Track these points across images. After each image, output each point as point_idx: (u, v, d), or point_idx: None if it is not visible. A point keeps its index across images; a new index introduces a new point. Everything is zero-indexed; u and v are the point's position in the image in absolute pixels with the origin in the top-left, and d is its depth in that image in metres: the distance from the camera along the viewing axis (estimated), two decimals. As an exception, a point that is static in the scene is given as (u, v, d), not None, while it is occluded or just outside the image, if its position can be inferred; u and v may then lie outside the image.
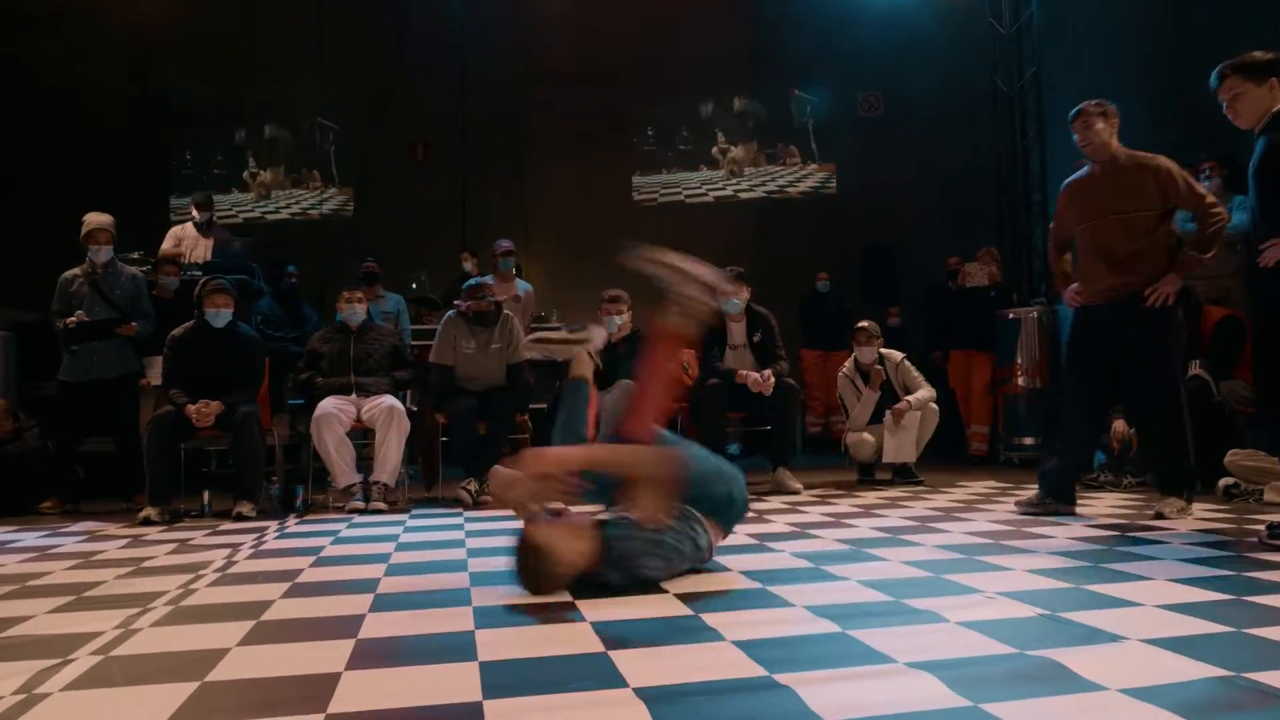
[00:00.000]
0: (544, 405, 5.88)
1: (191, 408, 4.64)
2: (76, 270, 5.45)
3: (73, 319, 5.26)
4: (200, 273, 6.17)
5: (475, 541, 3.58)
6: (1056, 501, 3.93)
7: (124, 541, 3.93)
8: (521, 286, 7.66)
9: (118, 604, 2.57)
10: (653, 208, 11.10)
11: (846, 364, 5.73)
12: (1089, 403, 4.01)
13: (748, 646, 1.92)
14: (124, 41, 9.92)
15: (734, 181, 11.12)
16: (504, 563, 3.04)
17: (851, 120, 10.62)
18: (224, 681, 1.81)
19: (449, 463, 5.61)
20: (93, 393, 5.33)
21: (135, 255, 6.64)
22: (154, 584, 2.87)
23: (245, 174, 11.09)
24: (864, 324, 5.68)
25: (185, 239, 7.13)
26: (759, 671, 1.75)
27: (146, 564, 3.30)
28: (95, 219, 5.44)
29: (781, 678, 1.70)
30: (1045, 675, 1.70)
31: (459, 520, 4.28)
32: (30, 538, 4.18)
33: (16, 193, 8.95)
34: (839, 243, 9.73)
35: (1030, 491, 4.08)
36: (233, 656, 1.98)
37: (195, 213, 7.23)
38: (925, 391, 5.50)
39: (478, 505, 4.80)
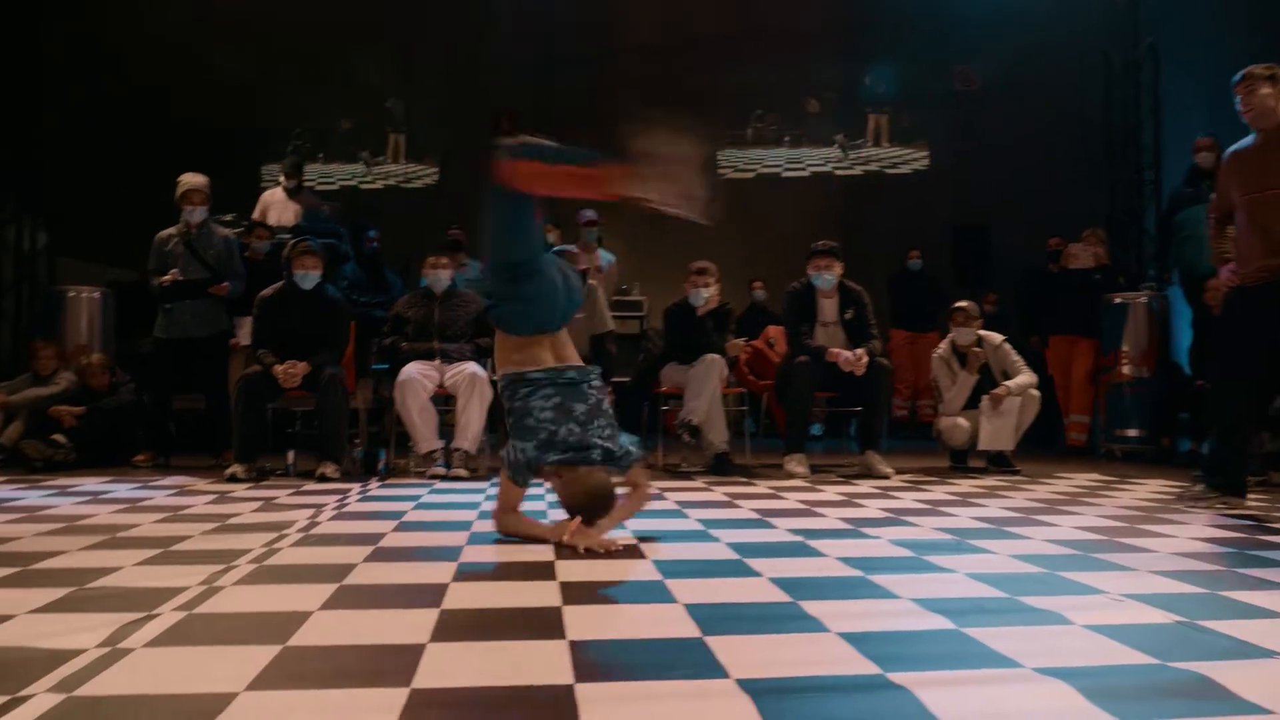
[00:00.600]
0: (627, 379, 5.78)
1: (279, 368, 4.66)
2: (171, 230, 5.52)
3: (167, 278, 5.33)
4: (290, 236, 6.21)
5: (557, 513, 3.49)
6: (1227, 494, 3.69)
7: (211, 497, 3.96)
8: (605, 258, 7.56)
9: (203, 560, 2.55)
10: (738, 181, 10.89)
11: (942, 345, 5.49)
12: (1253, 393, 3.77)
13: (855, 640, 1.78)
14: (220, 10, 10.06)
15: (819, 155, 10.84)
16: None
17: (945, 94, 10.22)
18: (306, 647, 1.75)
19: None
20: (185, 351, 5.41)
21: (228, 217, 6.73)
22: (239, 541, 2.85)
23: (333, 146, 11.21)
24: (963, 304, 5.43)
25: (274, 204, 7.21)
26: (871, 669, 1.61)
27: (232, 521, 3.30)
28: (190, 180, 5.50)
29: (896, 677, 1.56)
30: (1194, 691, 1.52)
31: (540, 491, 4.21)
32: (123, 489, 4.25)
33: (114, 155, 9.16)
34: (929, 221, 9.40)
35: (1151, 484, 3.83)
36: (315, 620, 1.92)
37: (284, 179, 7.31)
38: (1026, 376, 5.24)
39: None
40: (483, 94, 10.59)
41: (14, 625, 1.89)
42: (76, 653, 1.69)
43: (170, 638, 1.80)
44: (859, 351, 4.91)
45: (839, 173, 10.76)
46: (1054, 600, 2.11)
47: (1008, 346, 5.37)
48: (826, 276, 5.14)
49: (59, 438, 5.27)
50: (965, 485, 4.54)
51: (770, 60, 10.48)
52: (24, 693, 1.48)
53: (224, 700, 1.44)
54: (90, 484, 4.45)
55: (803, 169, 10.88)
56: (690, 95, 10.57)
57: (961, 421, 5.27)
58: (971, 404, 5.30)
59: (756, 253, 9.26)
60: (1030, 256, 8.12)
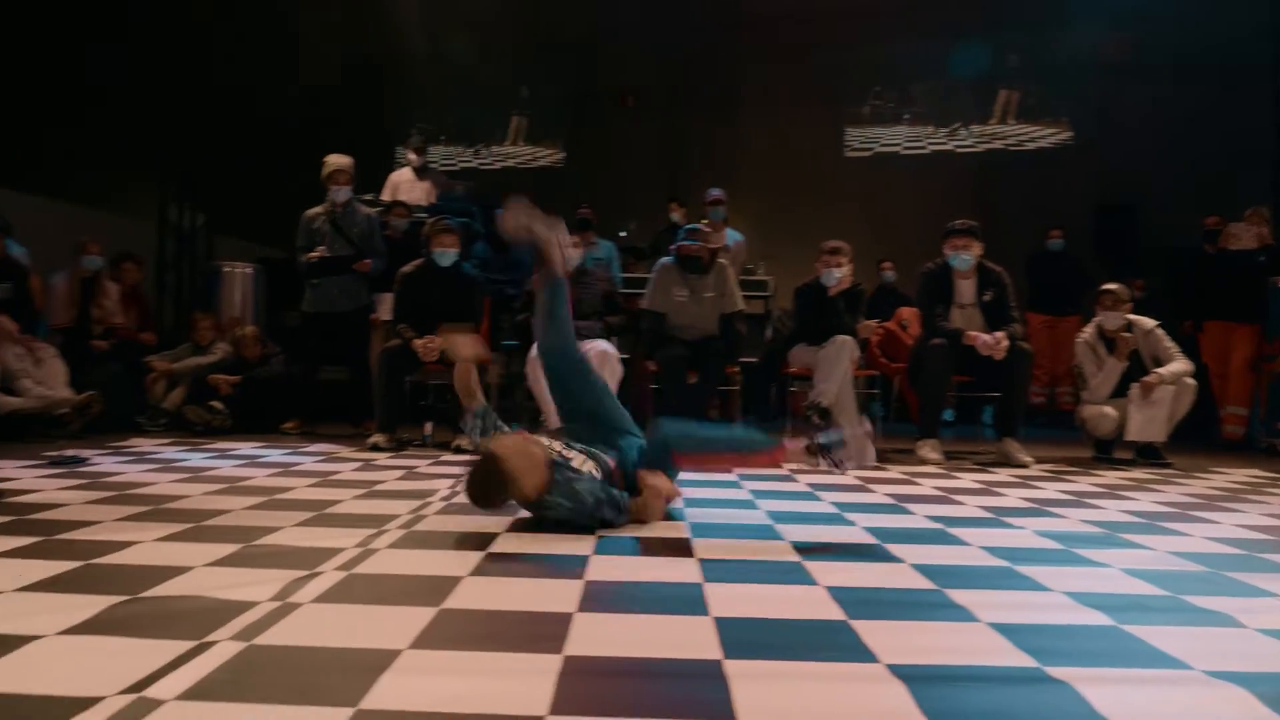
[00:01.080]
0: (755, 360, 5.75)
1: (418, 342, 4.82)
2: (318, 209, 5.77)
3: (314, 254, 5.59)
4: (428, 214, 6.41)
5: (688, 491, 3.51)
6: None
7: (356, 465, 4.14)
8: (731, 237, 7.52)
9: (355, 524, 2.68)
10: (866, 159, 10.65)
11: (1088, 330, 5.24)
12: None
13: (1007, 631, 1.73)
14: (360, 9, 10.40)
15: (952, 132, 10.48)
16: (721, 514, 2.99)
17: (1092, 66, 9.71)
18: (460, 610, 1.81)
19: (657, 411, 5.59)
20: (330, 324, 5.67)
21: (369, 197, 7.00)
22: (386, 507, 2.98)
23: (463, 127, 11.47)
24: (1112, 286, 5.16)
25: (401, 184, 7.46)
26: (1027, 662, 1.57)
27: (378, 487, 3.45)
28: (336, 160, 5.74)
29: (1056, 671, 1.51)
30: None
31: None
32: (275, 454, 4.49)
33: (263, 139, 9.63)
34: (1071, 199, 8.98)
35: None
36: (465, 585, 1.99)
37: (412, 156, 7.55)
38: (1180, 364, 4.95)
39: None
40: (607, 69, 10.65)
41: (193, 576, 2.03)
42: (251, 605, 1.80)
43: (334, 595, 1.90)
44: (999, 335, 4.73)
45: (968, 150, 10.38)
46: (1222, 601, 2.00)
47: (1160, 332, 5.09)
48: (964, 256, 4.97)
49: (217, 404, 5.61)
50: (1111, 477, 4.34)
51: (907, 33, 10.18)
52: (209, 639, 1.59)
53: (390, 655, 1.52)
54: (245, 448, 4.73)
55: (922, 147, 10.55)
56: (817, 68, 10.37)
57: (1108, 410, 5.03)
58: (1118, 392, 5.05)
59: (883, 233, 9.04)
60: (1183, 237, 7.66)
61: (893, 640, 1.67)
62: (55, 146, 7.22)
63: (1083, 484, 4.05)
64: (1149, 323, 5.11)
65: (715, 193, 7.46)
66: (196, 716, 1.28)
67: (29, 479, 3.46)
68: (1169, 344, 5.04)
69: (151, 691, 1.35)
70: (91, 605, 1.78)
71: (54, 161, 7.33)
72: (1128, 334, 5.03)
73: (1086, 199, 9.05)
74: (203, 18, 7.90)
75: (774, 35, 10.23)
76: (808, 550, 2.42)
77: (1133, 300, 5.40)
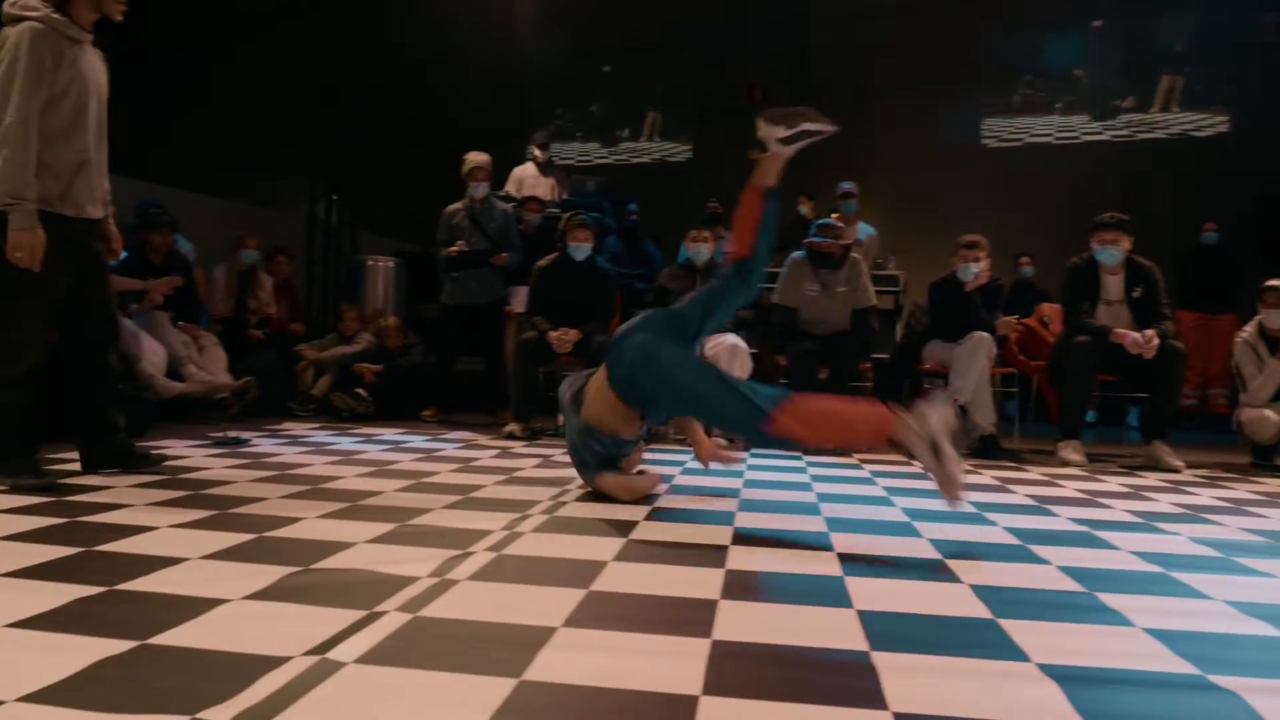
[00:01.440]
0: (887, 355, 5.66)
1: (553, 334, 4.95)
2: (458, 204, 5.98)
3: (454, 248, 5.80)
4: (560, 210, 6.56)
5: (821, 486, 3.51)
6: None
7: (495, 452, 4.30)
8: (863, 230, 7.41)
9: (500, 508, 2.79)
10: (1002, 150, 10.29)
11: (1248, 329, 4.96)
12: None
13: (1164, 637, 1.69)
14: (491, 8, 10.67)
15: (1096, 123, 10.02)
16: (856, 510, 2.98)
17: (1250, 46, 9.11)
18: (609, 592, 1.88)
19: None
20: (468, 316, 5.88)
21: (504, 192, 7.21)
22: (527, 493, 3.09)
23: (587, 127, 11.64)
24: (1275, 282, 4.86)
25: (526, 179, 7.64)
26: (1187, 668, 1.52)
27: (517, 474, 3.57)
28: (475, 158, 5.94)
29: (1219, 680, 1.47)
30: None
31: (800, 464, 4.23)
32: (417, 440, 4.70)
33: (397, 142, 10.02)
34: (1228, 190, 8.46)
35: None
36: (610, 570, 2.06)
37: (536, 152, 7.72)
38: (1350, 366, 4.64)
39: (815, 450, 4.73)
40: (736, 63, 10.61)
41: (357, 552, 2.17)
42: (412, 580, 1.91)
43: (488, 574, 2.00)
44: (1149, 333, 4.52)
45: (1117, 139, 9.91)
46: (1403, 617, 1.89)
47: (1328, 332, 4.77)
48: (1113, 251, 4.77)
49: (361, 391, 5.89)
50: (1273, 485, 4.10)
51: (1044, 19, 9.79)
52: (378, 609, 1.70)
53: (547, 632, 1.59)
54: (389, 434, 4.96)
55: (1075, 137, 10.11)
56: (951, 57, 10.09)
57: (1269, 414, 4.75)
58: (1280, 395, 4.76)
59: (1022, 227, 8.73)
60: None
61: (1043, 640, 1.64)
62: (214, 148, 7.71)
63: (1241, 491, 3.84)
64: (1315, 321, 4.79)
65: (847, 186, 7.37)
66: (375, 679, 1.38)
67: (198, 457, 3.74)
68: (1338, 344, 4.72)
69: (332, 655, 1.46)
70: (269, 574, 1.92)
71: (213, 162, 7.83)
72: (1291, 333, 4.74)
73: (1244, 190, 8.51)
74: (345, 20, 8.28)
75: (906, 23, 10.01)
76: (948, 549, 2.40)
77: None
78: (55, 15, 2.98)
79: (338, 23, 8.25)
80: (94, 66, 3.16)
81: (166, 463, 3.47)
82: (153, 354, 5.00)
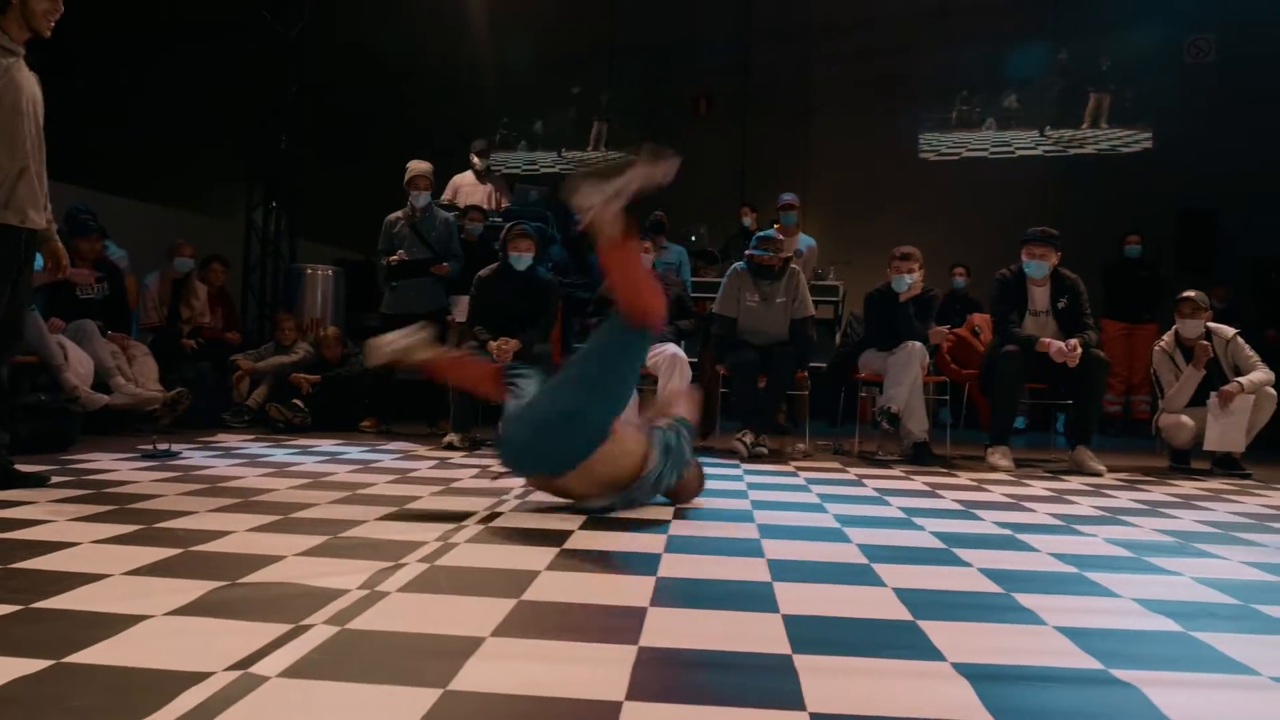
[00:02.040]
0: (823, 365, 5.76)
1: (493, 344, 4.95)
2: (399, 213, 5.95)
3: (395, 257, 5.76)
4: (502, 219, 6.56)
5: (757, 494, 3.57)
6: None
7: (433, 462, 4.28)
8: (804, 241, 7.53)
9: (435, 519, 2.79)
10: (938, 164, 10.53)
11: (1165, 338, 5.15)
12: None
13: (1074, 635, 1.75)
14: (441, 16, 10.64)
15: (1028, 138, 10.31)
16: (789, 517, 3.03)
17: (1175, 68, 9.47)
18: (539, 602, 1.89)
19: (726, 414, 5.64)
20: (408, 325, 5.82)
21: (445, 201, 7.18)
22: (463, 503, 3.09)
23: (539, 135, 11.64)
24: (1190, 294, 5.06)
25: (463, 186, 7.63)
26: (1093, 664, 1.59)
27: (454, 485, 3.56)
28: (417, 166, 5.92)
29: (1121, 674, 1.53)
30: None
31: (738, 471, 4.29)
32: (354, 451, 4.66)
33: (338, 148, 9.93)
34: (1150, 205, 8.78)
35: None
36: (542, 579, 2.07)
37: (475, 159, 7.72)
38: (1261, 373, 4.84)
39: (753, 457, 4.80)
40: (681, 74, 10.70)
41: (287, 565, 2.15)
42: (342, 592, 1.91)
43: (419, 585, 2.00)
44: (1072, 342, 4.68)
45: (1049, 154, 10.20)
46: (1297, 611, 1.99)
47: (1241, 341, 4.98)
48: (1041, 264, 4.92)
49: (298, 402, 5.82)
50: (1188, 487, 4.27)
51: (976, 36, 10.06)
52: (305, 622, 1.69)
53: (474, 642, 1.60)
54: (326, 445, 4.90)
55: (1010, 152, 10.39)
56: (889, 72, 10.31)
57: (1185, 419, 4.94)
58: (1196, 401, 4.95)
59: (957, 239, 8.95)
60: (1266, 244, 7.45)
61: (959, 640, 1.70)
62: (147, 152, 7.56)
63: (1157, 493, 3.99)
64: (1229, 331, 5.00)
65: (787, 197, 7.48)
66: (298, 692, 1.37)
67: (125, 470, 3.66)
68: (1250, 353, 4.93)
69: (256, 669, 1.45)
70: (194, 589, 1.90)
71: (146, 166, 7.67)
72: (1205, 343, 4.93)
73: (1167, 205, 8.83)
74: (285, 23, 8.18)
75: (847, 40, 10.22)
76: (874, 553, 2.46)
77: (1213, 309, 5.28)
78: None
79: (279, 26, 8.15)
80: (28, 79, 3.19)
81: (91, 476, 3.39)
82: (79, 364, 4.88)
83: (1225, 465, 4.86)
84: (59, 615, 1.71)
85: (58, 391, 4.64)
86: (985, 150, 10.48)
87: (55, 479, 3.32)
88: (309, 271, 7.38)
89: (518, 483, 3.59)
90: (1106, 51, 9.87)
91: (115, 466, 3.77)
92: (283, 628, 1.65)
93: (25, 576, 1.97)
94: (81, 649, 1.51)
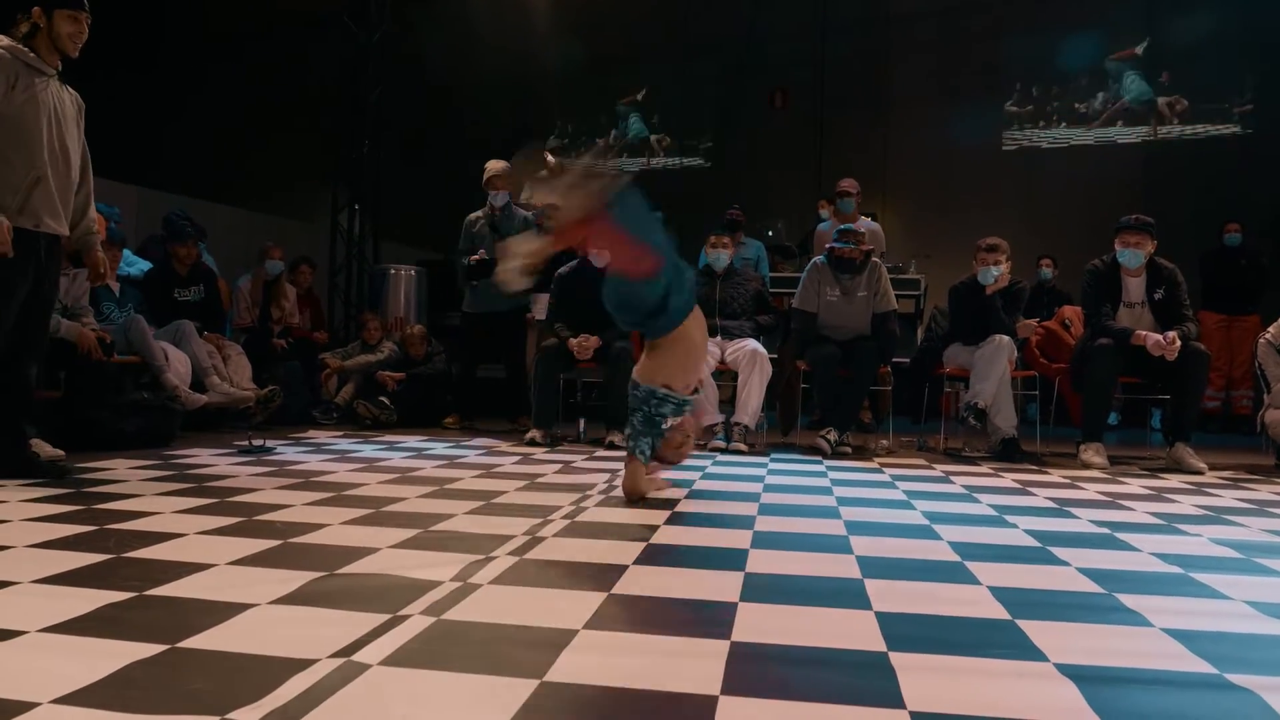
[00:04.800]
0: (906, 360, 5.66)
1: (573, 341, 4.99)
2: (479, 213, 6.04)
3: (475, 256, 5.85)
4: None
5: (842, 490, 3.52)
6: None
7: (516, 458, 4.33)
8: (865, 225, 7.38)
9: (521, 513, 2.82)
10: (1020, 153, 10.25)
11: (1271, 329, 4.92)
12: None
13: (1182, 637, 1.69)
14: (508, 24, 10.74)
15: (1113, 127, 9.96)
16: (876, 514, 2.99)
17: (1269, 45, 9.04)
18: (629, 595, 1.90)
19: (807, 411, 5.58)
20: (489, 324, 5.93)
21: (524, 200, 7.26)
22: (548, 499, 3.12)
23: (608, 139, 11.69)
24: (1298, 283, 4.83)
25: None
26: (1205, 668, 1.53)
27: (539, 480, 3.60)
28: (495, 166, 6.00)
29: (1236, 678, 1.47)
30: None
31: (820, 468, 4.24)
32: (439, 447, 4.74)
33: (424, 150, 10.12)
34: (1252, 190, 8.39)
35: None
36: (631, 574, 2.08)
37: (549, 159, 7.77)
38: (1377, 367, 4.60)
39: (836, 454, 4.74)
40: (756, 69, 10.63)
41: (381, 557, 2.20)
42: (435, 584, 1.94)
43: (510, 578, 2.03)
44: (1171, 334, 4.50)
45: (1137, 140, 9.84)
46: None
47: (1354, 332, 4.73)
48: (1136, 253, 4.74)
49: (384, 400, 5.95)
50: (1298, 486, 4.07)
51: (1064, 26, 9.76)
52: (403, 612, 1.73)
53: (568, 634, 1.62)
54: (412, 441, 5.00)
55: (1109, 140, 10.05)
56: (969, 63, 10.09)
57: (1293, 415, 4.71)
58: (1306, 396, 4.72)
59: (1041, 230, 8.71)
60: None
61: (1061, 640, 1.65)
62: (239, 160, 7.81)
63: (1264, 492, 3.82)
64: (1341, 321, 4.75)
65: (845, 183, 7.32)
66: (400, 681, 1.40)
67: (224, 465, 3.79)
68: (1364, 344, 4.68)
69: (358, 657, 1.49)
70: (295, 579, 1.96)
71: (237, 174, 7.94)
72: (1316, 334, 4.70)
73: (1267, 191, 8.44)
74: (367, 29, 8.38)
75: (927, 30, 10.02)
76: (967, 551, 2.40)
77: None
78: (20, 47, 3.26)
79: (361, 32, 8.35)
80: (58, 97, 3.39)
81: (193, 470, 3.52)
82: (179, 364, 5.07)
83: (1337, 463, 4.64)
84: (171, 602, 1.78)
85: (159, 390, 4.83)
86: (1070, 140, 10.16)
87: (159, 473, 3.46)
88: (393, 272, 7.55)
89: (602, 479, 3.62)
90: (1198, 32, 9.45)
91: (214, 461, 3.91)
92: (381, 618, 1.69)
93: (138, 565, 2.06)
94: (192, 634, 1.57)
